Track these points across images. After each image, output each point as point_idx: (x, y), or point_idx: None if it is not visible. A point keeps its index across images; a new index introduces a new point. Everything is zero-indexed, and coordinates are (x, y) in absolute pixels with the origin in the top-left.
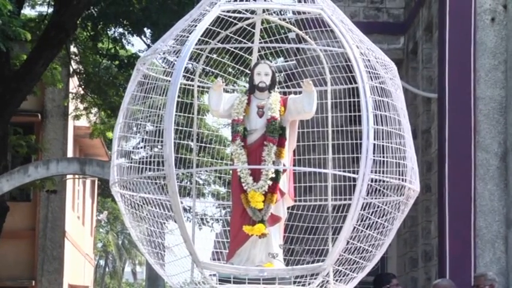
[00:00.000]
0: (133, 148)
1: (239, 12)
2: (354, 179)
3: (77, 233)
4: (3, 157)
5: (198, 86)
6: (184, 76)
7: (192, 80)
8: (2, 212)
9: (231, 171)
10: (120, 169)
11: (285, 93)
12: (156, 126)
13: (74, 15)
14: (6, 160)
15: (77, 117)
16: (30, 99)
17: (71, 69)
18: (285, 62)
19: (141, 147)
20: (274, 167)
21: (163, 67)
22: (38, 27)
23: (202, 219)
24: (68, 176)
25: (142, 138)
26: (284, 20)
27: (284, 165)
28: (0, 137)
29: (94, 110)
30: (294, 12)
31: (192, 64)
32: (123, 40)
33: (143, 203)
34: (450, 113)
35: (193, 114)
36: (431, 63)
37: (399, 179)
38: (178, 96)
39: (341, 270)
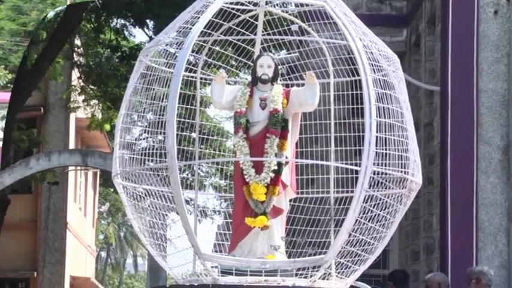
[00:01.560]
0: (135, 140)
1: (242, 4)
2: (356, 172)
3: (79, 225)
4: (7, 153)
5: (201, 78)
6: (186, 68)
7: (195, 72)
8: (3, 205)
9: (232, 164)
10: (122, 161)
11: (287, 86)
12: (159, 118)
13: (81, 9)
14: (9, 156)
15: (73, 109)
16: (34, 94)
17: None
18: (288, 54)
19: (144, 139)
20: (277, 159)
21: (166, 59)
22: (52, 26)
23: (204, 211)
24: (70, 168)
25: (145, 130)
26: (287, 12)
27: (286, 157)
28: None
29: (92, 102)
30: (296, 5)
31: (194, 56)
32: (125, 31)
33: (145, 195)
34: (452, 106)
35: (195, 106)
36: (433, 55)
37: (401, 171)
38: (181, 88)
39: (343, 263)
